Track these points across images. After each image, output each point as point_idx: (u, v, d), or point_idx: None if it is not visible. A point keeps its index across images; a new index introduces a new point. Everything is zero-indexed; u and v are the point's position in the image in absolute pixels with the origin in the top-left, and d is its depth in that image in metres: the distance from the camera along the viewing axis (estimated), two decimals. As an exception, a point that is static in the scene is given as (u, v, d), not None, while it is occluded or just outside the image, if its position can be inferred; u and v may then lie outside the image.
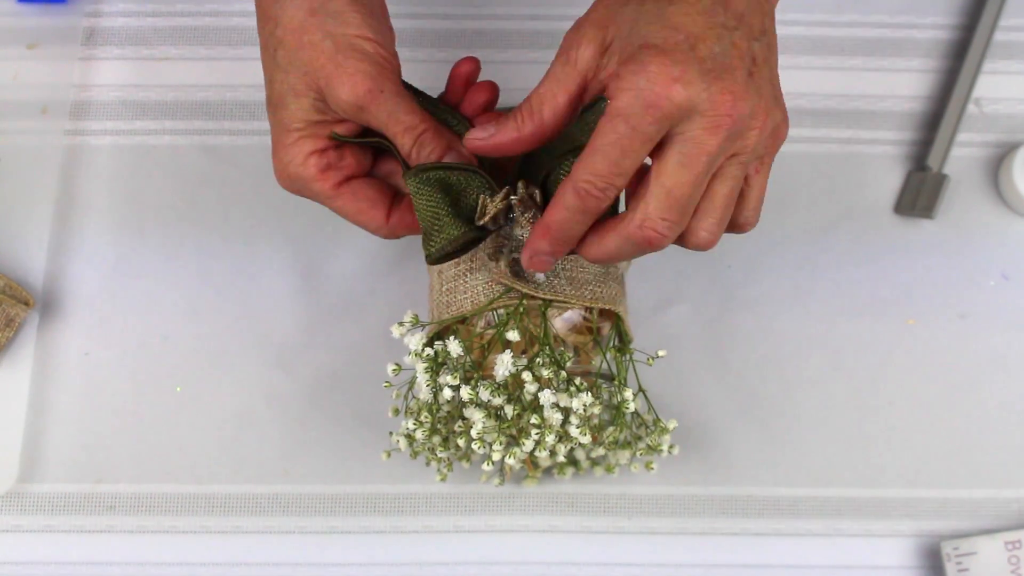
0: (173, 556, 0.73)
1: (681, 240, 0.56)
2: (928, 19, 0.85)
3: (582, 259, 0.66)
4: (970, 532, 0.74)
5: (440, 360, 0.63)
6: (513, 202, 0.62)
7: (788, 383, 0.77)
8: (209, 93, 0.82)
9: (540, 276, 0.64)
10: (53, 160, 0.80)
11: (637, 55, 0.52)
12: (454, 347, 0.62)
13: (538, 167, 0.63)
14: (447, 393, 0.62)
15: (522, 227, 0.63)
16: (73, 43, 0.83)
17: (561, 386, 0.62)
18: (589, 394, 0.62)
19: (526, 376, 0.61)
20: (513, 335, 0.62)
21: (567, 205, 0.55)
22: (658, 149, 0.53)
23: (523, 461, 0.68)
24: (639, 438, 0.69)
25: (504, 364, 0.61)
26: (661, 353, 0.67)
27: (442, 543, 0.74)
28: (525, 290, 0.64)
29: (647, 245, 0.55)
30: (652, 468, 0.70)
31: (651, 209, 0.54)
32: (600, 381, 0.67)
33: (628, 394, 0.64)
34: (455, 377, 0.62)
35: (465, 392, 0.61)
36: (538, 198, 0.62)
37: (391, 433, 0.68)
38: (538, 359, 0.62)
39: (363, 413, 0.75)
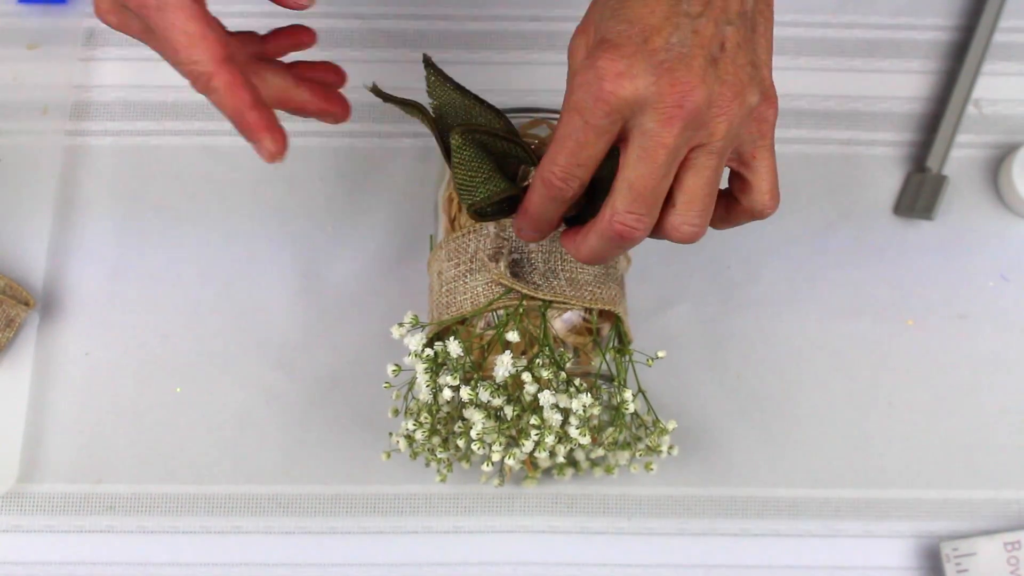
0: (173, 556, 0.73)
1: (666, 235, 0.57)
2: (927, 20, 0.85)
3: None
4: (969, 533, 0.74)
5: (440, 361, 0.63)
6: None
7: (788, 383, 0.77)
8: (209, 94, 0.82)
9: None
10: (53, 160, 0.80)
11: (593, 50, 0.53)
12: (454, 347, 0.62)
13: None
14: (447, 394, 0.62)
15: None
16: (73, 44, 0.83)
17: (561, 387, 0.63)
18: (589, 395, 0.62)
19: (526, 377, 0.62)
20: (513, 336, 0.62)
21: (537, 192, 0.57)
22: (622, 144, 0.54)
23: (523, 462, 0.68)
24: (638, 439, 0.69)
25: (504, 365, 0.61)
26: (660, 354, 0.67)
27: (442, 544, 0.74)
28: (525, 291, 0.64)
29: (619, 239, 0.55)
30: (652, 469, 0.70)
31: (617, 203, 0.55)
32: (600, 382, 0.67)
33: (628, 395, 0.65)
34: (455, 378, 0.62)
35: (465, 393, 0.61)
36: None
37: (391, 434, 0.68)
38: (538, 360, 0.62)
39: (363, 414, 0.75)
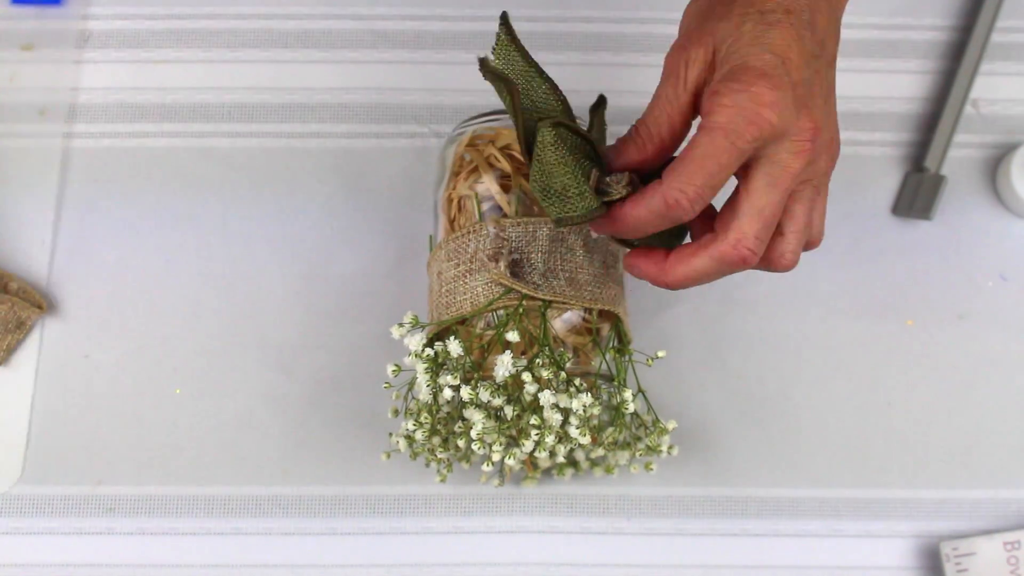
0: (173, 558, 0.73)
1: (771, 263, 0.58)
2: (925, 20, 0.85)
3: (581, 260, 0.66)
4: (969, 532, 0.74)
5: (440, 361, 0.63)
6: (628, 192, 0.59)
7: (787, 383, 0.77)
8: (208, 95, 0.82)
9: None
10: (51, 162, 0.80)
11: (739, 75, 0.54)
12: (454, 347, 0.62)
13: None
14: (447, 394, 0.62)
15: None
16: (68, 45, 0.83)
17: (561, 387, 0.63)
18: (588, 395, 0.62)
19: (526, 377, 0.62)
20: (513, 336, 0.62)
21: (651, 208, 0.56)
22: (744, 170, 0.55)
23: (523, 462, 0.68)
24: (638, 439, 0.69)
25: (504, 365, 0.61)
26: (660, 354, 0.67)
27: (442, 544, 0.74)
28: (524, 291, 0.64)
29: (740, 264, 0.56)
30: (651, 469, 0.70)
31: (745, 228, 0.55)
32: (599, 382, 0.67)
33: (627, 395, 0.65)
34: (455, 377, 0.62)
35: (465, 392, 0.61)
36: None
37: (391, 434, 0.68)
38: (538, 360, 0.62)
39: (363, 414, 0.75)
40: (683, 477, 0.75)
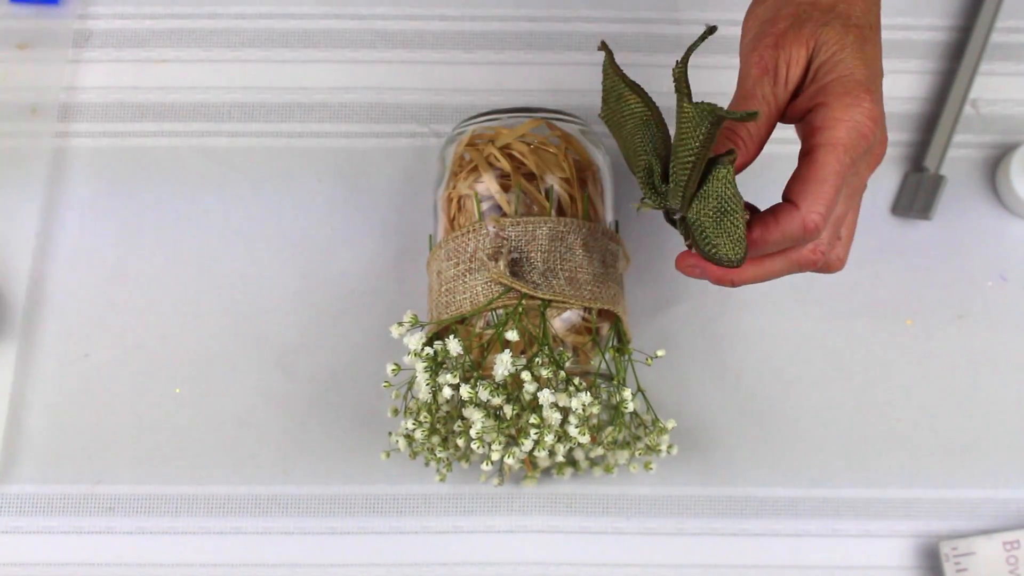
0: (172, 557, 0.73)
1: (827, 267, 0.58)
2: (925, 20, 0.85)
3: (581, 259, 0.66)
4: (968, 532, 0.74)
5: (439, 360, 0.63)
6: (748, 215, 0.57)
7: (787, 383, 0.77)
8: (208, 95, 0.82)
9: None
10: (43, 161, 0.80)
11: (849, 88, 0.54)
12: (453, 345, 0.62)
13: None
14: (446, 392, 0.62)
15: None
16: (65, 44, 0.83)
17: (560, 386, 0.63)
18: (588, 394, 0.62)
19: (525, 376, 0.62)
20: (512, 335, 0.62)
21: (788, 234, 0.55)
22: None
23: (522, 461, 0.68)
24: (638, 438, 0.69)
25: (503, 364, 0.62)
26: (660, 353, 0.67)
27: (441, 544, 0.74)
28: (524, 290, 0.64)
29: (812, 266, 0.57)
30: (651, 468, 0.70)
31: (824, 235, 0.56)
32: (599, 381, 0.67)
33: (627, 394, 0.65)
34: (454, 376, 0.62)
35: (464, 391, 0.62)
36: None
37: (390, 433, 0.68)
38: (537, 359, 0.62)
39: (362, 413, 0.75)
40: (683, 477, 0.75)
